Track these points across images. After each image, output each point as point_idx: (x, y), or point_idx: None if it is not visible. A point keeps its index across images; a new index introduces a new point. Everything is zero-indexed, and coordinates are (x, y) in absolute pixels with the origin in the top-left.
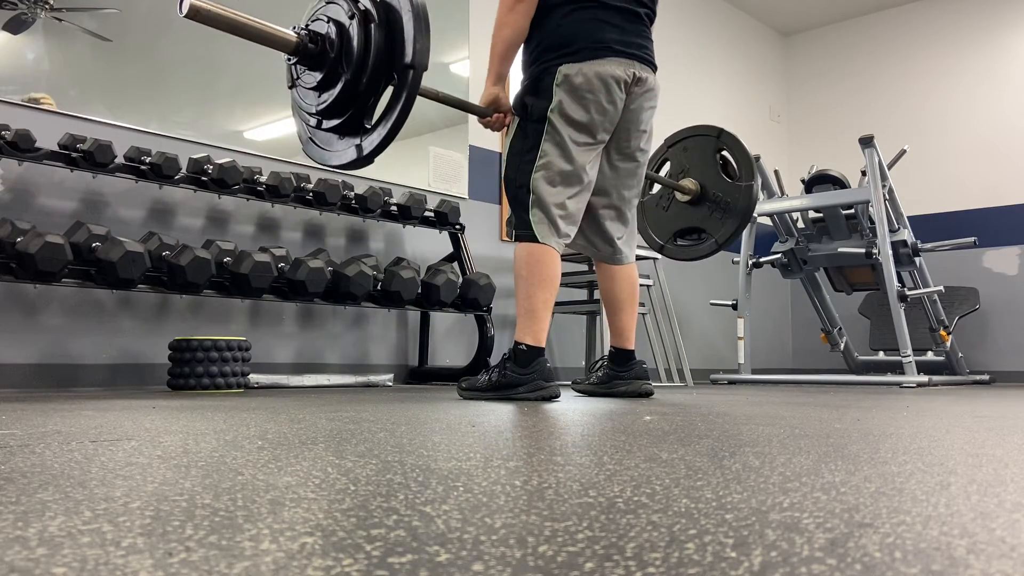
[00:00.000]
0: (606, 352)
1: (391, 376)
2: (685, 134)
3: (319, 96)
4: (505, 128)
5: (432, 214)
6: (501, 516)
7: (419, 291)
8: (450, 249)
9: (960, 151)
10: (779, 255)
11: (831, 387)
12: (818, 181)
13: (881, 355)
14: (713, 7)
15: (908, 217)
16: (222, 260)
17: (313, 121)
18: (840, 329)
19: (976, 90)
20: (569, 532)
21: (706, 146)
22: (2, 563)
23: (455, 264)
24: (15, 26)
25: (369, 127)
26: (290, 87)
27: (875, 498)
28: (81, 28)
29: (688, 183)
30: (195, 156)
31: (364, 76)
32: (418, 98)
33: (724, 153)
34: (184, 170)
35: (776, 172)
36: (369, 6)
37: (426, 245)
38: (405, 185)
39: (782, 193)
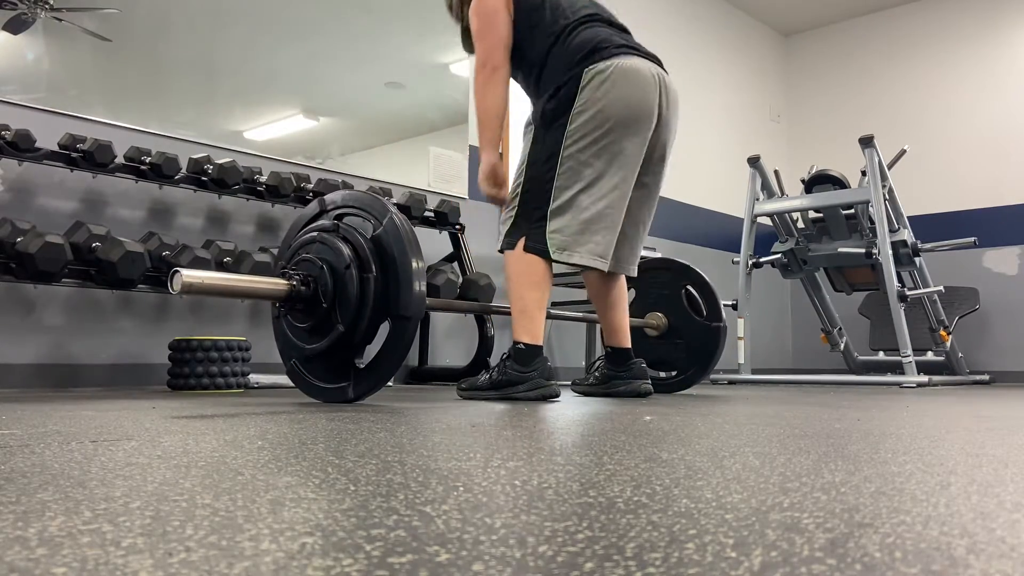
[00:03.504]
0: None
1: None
2: (652, 264)
3: (310, 337)
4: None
5: (432, 214)
6: (501, 516)
7: None
8: (450, 249)
9: (960, 151)
10: (779, 255)
11: (831, 387)
12: (818, 181)
13: (881, 355)
14: (713, 7)
15: (908, 217)
16: (222, 260)
17: (300, 356)
18: (840, 329)
19: (976, 90)
20: (569, 532)
21: (673, 281)
22: (2, 563)
23: (455, 264)
24: (15, 26)
25: (361, 367)
26: (275, 318)
27: (875, 498)
28: (81, 28)
29: (654, 319)
30: (195, 156)
31: (360, 326)
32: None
33: (690, 289)
34: (184, 170)
35: (776, 172)
36: (360, 241)
37: (426, 245)
38: (405, 185)
39: (782, 193)
